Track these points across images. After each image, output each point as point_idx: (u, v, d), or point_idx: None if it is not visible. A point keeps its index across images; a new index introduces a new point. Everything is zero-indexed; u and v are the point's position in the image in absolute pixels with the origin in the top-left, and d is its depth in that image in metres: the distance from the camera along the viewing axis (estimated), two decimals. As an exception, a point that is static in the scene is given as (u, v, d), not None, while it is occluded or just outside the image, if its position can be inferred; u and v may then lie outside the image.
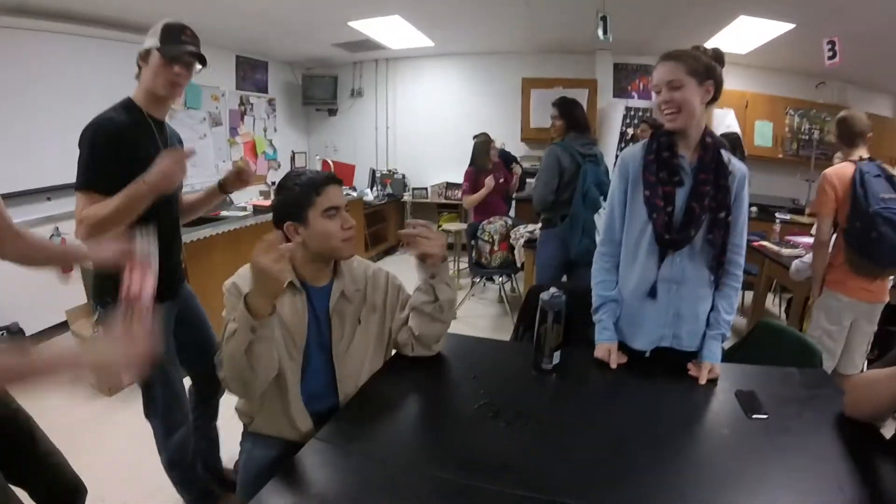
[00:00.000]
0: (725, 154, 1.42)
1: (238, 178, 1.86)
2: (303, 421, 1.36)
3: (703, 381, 1.39)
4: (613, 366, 1.48)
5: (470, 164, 4.30)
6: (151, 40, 1.58)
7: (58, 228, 3.64)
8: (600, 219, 2.82)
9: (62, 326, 3.48)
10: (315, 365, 1.40)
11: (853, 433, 1.14)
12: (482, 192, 4.09)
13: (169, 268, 1.75)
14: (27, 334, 3.40)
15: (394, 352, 1.56)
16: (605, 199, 2.84)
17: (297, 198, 1.33)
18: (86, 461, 2.13)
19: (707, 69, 1.35)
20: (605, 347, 1.52)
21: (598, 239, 1.63)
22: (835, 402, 1.24)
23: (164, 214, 1.67)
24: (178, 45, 1.59)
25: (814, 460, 1.08)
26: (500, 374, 1.51)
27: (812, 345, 1.70)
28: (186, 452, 1.84)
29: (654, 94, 1.41)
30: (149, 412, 1.77)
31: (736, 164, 1.42)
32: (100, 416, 2.78)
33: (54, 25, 3.71)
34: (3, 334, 3.21)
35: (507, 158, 4.69)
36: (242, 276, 1.39)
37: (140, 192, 1.46)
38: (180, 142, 1.83)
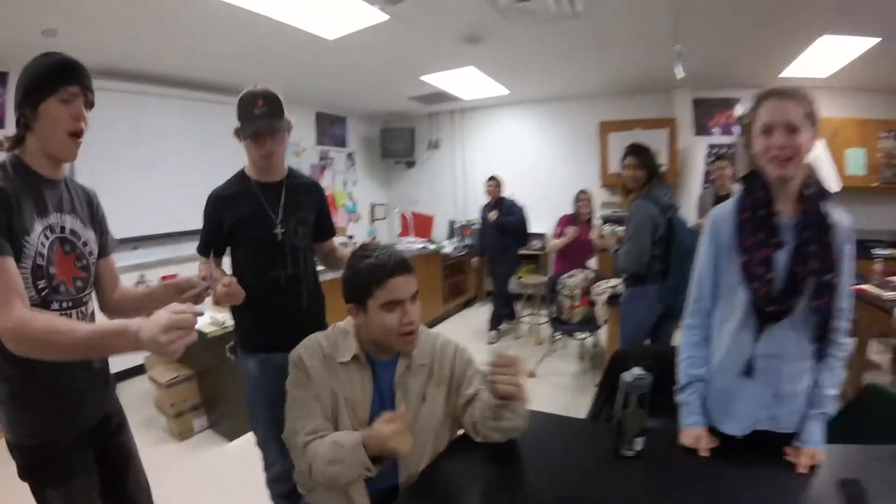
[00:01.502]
0: (827, 205, 1.23)
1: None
2: (361, 500, 1.28)
3: (802, 471, 1.19)
4: (703, 453, 1.29)
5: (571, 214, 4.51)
6: (237, 121, 1.70)
7: (143, 276, 4.08)
8: None
9: (139, 370, 3.77)
10: None
11: None
12: (562, 241, 4.25)
13: (284, 315, 1.84)
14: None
15: (461, 430, 1.44)
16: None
17: (358, 284, 1.30)
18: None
19: (817, 114, 1.19)
20: (692, 434, 1.34)
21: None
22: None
23: (278, 267, 1.82)
24: (253, 122, 1.66)
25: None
26: (576, 460, 1.34)
27: None
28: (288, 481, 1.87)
29: (758, 137, 1.22)
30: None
31: (838, 216, 1.23)
32: (169, 460, 2.87)
33: (157, 90, 4.11)
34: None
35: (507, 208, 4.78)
36: (309, 349, 1.37)
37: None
38: (306, 192, 1.91)
